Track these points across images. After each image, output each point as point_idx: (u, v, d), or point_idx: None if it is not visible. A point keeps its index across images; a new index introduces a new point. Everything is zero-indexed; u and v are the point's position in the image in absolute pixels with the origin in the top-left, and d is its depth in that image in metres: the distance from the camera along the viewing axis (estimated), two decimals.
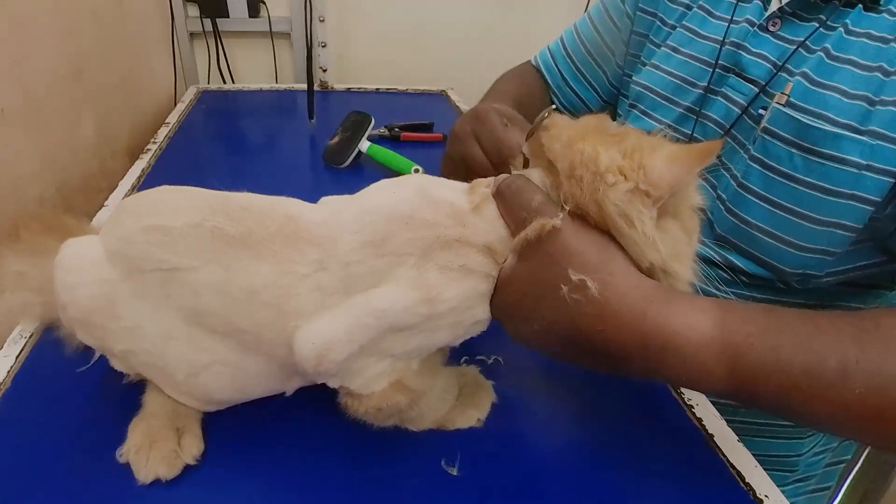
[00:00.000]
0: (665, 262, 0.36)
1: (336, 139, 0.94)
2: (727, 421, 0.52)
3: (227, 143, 1.05)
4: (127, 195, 0.78)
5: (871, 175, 0.49)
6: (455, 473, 0.45)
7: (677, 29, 0.65)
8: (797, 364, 0.34)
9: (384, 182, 0.42)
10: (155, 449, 0.42)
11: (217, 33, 1.32)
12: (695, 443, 0.50)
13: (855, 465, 0.91)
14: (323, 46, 1.38)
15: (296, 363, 0.38)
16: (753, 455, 0.49)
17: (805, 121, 0.51)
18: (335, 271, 0.38)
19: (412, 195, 0.39)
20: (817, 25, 0.53)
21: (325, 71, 1.40)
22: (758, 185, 0.55)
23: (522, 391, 0.52)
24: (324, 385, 0.40)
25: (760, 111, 0.55)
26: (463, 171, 0.54)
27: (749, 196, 0.56)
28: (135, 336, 0.40)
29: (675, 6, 0.66)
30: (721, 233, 0.59)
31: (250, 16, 1.32)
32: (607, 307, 0.35)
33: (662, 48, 0.66)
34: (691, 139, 0.62)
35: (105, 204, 0.77)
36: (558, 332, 0.37)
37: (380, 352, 0.39)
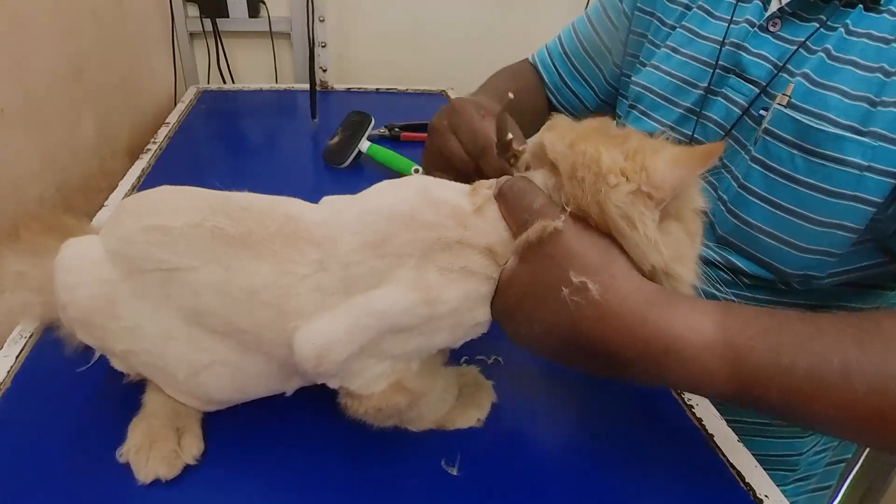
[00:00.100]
0: (667, 264, 0.36)
1: (336, 139, 0.94)
2: (727, 421, 0.52)
3: (227, 143, 1.05)
4: (127, 195, 0.78)
5: (873, 176, 0.49)
6: (455, 473, 0.45)
7: (677, 29, 0.65)
8: (799, 366, 0.34)
9: (385, 183, 0.42)
10: (155, 449, 0.42)
11: (217, 33, 1.32)
12: (695, 443, 0.50)
13: (855, 465, 0.91)
14: (323, 46, 1.38)
15: (296, 363, 0.38)
16: (754, 455, 0.49)
17: (806, 122, 0.51)
18: (335, 272, 0.38)
19: (413, 196, 0.39)
20: (818, 26, 0.53)
21: (325, 71, 1.40)
22: (759, 186, 0.55)
23: (522, 391, 0.52)
24: (324, 385, 0.40)
25: (761, 112, 0.55)
26: (442, 164, 0.53)
27: (750, 197, 0.56)
28: (135, 336, 0.40)
29: (673, 6, 0.66)
30: (722, 234, 0.59)
31: (250, 16, 1.32)
32: (608, 310, 0.35)
33: (662, 48, 0.66)
34: (692, 140, 0.62)
35: (105, 204, 0.77)
36: (559, 334, 0.37)
37: (379, 353, 0.39)
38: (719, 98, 0.59)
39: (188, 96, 1.18)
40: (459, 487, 0.44)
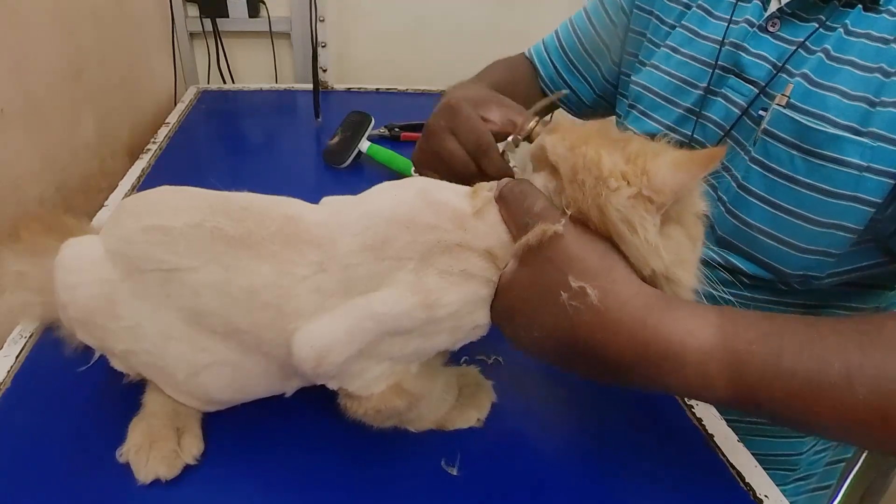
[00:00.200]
0: (668, 268, 0.36)
1: (336, 139, 0.94)
2: (727, 421, 0.52)
3: (227, 143, 1.05)
4: (127, 195, 0.78)
5: (872, 176, 0.49)
6: (455, 473, 0.45)
7: (676, 29, 0.65)
8: (800, 370, 0.33)
9: (386, 184, 0.42)
10: (155, 449, 0.42)
11: (217, 33, 1.32)
12: (695, 443, 0.50)
13: (855, 465, 0.91)
14: (323, 46, 1.37)
15: (295, 364, 0.38)
16: (754, 454, 0.49)
17: (805, 122, 0.50)
18: (335, 273, 0.38)
19: (413, 198, 0.39)
20: (817, 26, 0.53)
21: (325, 71, 1.40)
22: (758, 186, 0.55)
23: (522, 391, 0.52)
24: (323, 386, 0.40)
25: (760, 112, 0.55)
26: (438, 165, 0.53)
27: (749, 198, 0.55)
28: (135, 336, 0.40)
29: (673, 5, 0.66)
30: (721, 234, 0.59)
31: (250, 16, 1.32)
32: (607, 315, 0.35)
33: (662, 48, 0.66)
34: (691, 140, 0.62)
35: (105, 204, 0.77)
36: (558, 339, 0.37)
37: (378, 354, 0.39)
38: (719, 98, 0.59)
39: (188, 96, 1.18)
40: (459, 487, 0.44)
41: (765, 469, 0.48)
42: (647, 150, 0.36)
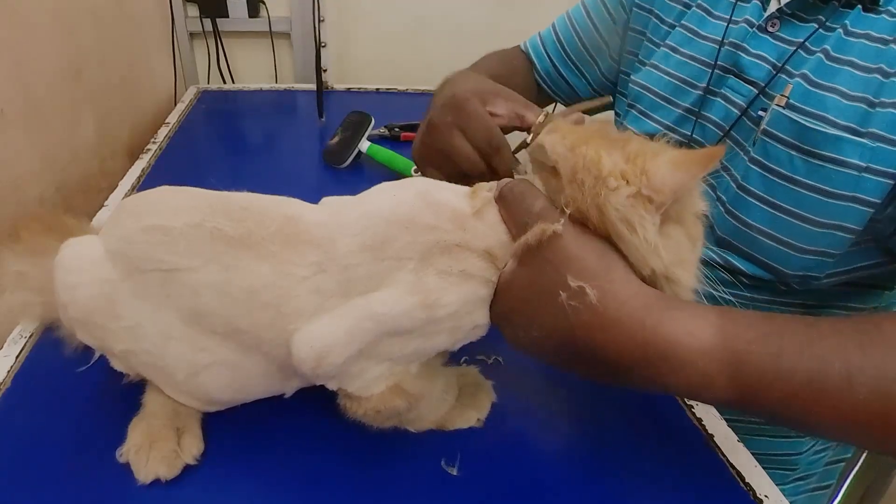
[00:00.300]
0: (668, 268, 0.36)
1: (336, 139, 0.94)
2: (727, 420, 0.52)
3: (227, 143, 1.05)
4: (127, 195, 0.78)
5: (871, 177, 0.49)
6: (455, 473, 0.45)
7: (676, 28, 0.65)
8: (800, 370, 0.33)
9: (386, 184, 0.42)
10: (155, 449, 0.42)
11: (217, 33, 1.32)
12: (695, 443, 0.50)
13: (855, 465, 0.91)
14: (323, 46, 1.37)
15: (294, 364, 0.38)
16: (753, 454, 0.49)
17: (805, 123, 0.50)
18: (334, 273, 0.38)
19: (413, 198, 0.39)
20: (816, 26, 0.53)
21: (325, 71, 1.39)
22: (758, 187, 0.55)
23: (522, 391, 0.52)
24: (323, 386, 0.40)
25: (760, 113, 0.55)
26: (445, 163, 0.52)
27: (749, 198, 0.55)
28: (135, 336, 0.40)
29: (673, 4, 0.66)
30: (721, 235, 0.59)
31: (250, 16, 1.32)
32: (606, 315, 0.34)
33: (662, 48, 0.66)
34: (691, 140, 0.62)
35: (105, 204, 0.77)
36: (557, 339, 0.37)
37: (378, 355, 0.39)
38: (718, 99, 0.59)
39: (188, 96, 1.18)
40: (459, 487, 0.44)
41: (764, 468, 0.48)
42: (647, 149, 0.36)
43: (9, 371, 0.50)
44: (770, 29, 0.56)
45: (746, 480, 0.46)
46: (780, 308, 0.60)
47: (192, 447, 0.43)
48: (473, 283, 0.38)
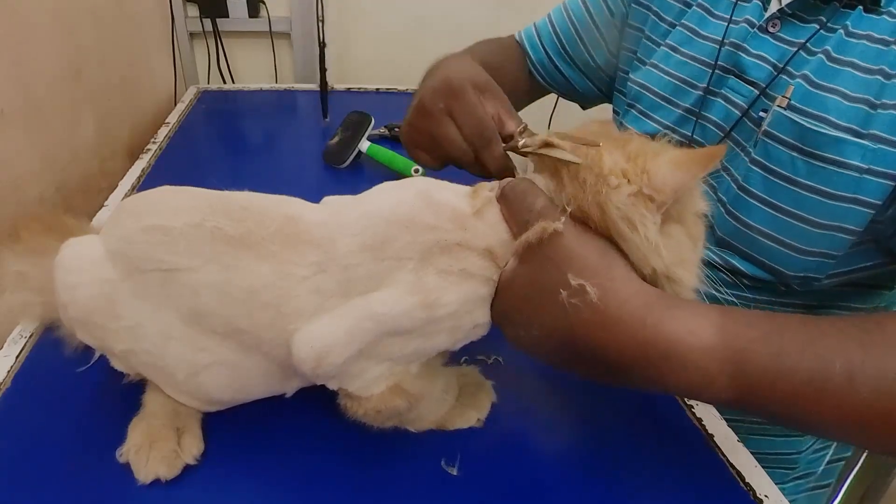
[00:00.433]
0: (669, 267, 0.36)
1: (336, 139, 0.94)
2: (727, 420, 0.52)
3: (227, 143, 1.05)
4: (127, 195, 0.78)
5: (872, 179, 0.49)
6: (455, 473, 0.45)
7: (676, 28, 0.64)
8: (801, 369, 0.33)
9: (386, 184, 0.42)
10: (155, 449, 0.42)
11: (217, 33, 1.32)
12: (695, 443, 0.50)
13: (855, 465, 0.91)
14: (323, 46, 1.37)
15: (295, 364, 0.38)
16: (753, 453, 0.49)
17: (806, 124, 0.50)
18: (334, 273, 0.38)
19: (413, 198, 0.39)
20: (818, 27, 0.52)
21: (325, 71, 1.40)
22: (759, 188, 0.55)
23: (522, 391, 0.52)
24: (323, 386, 0.40)
25: (761, 114, 0.55)
26: (435, 148, 0.51)
27: (750, 199, 0.55)
28: (135, 336, 0.40)
29: (672, 2, 0.65)
30: (722, 236, 0.59)
31: (250, 16, 1.32)
32: (606, 314, 0.34)
33: (662, 47, 0.65)
34: (691, 141, 0.62)
35: (105, 204, 0.77)
36: (557, 338, 0.36)
37: (378, 355, 0.39)
38: (719, 99, 0.59)
39: (188, 96, 1.18)
40: (459, 487, 0.44)
41: (764, 468, 0.48)
42: (648, 149, 0.36)
43: (9, 371, 0.49)
44: (771, 29, 0.55)
45: (746, 480, 0.46)
46: (781, 308, 0.60)
47: (192, 447, 0.43)
48: (474, 282, 0.38)
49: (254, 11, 1.32)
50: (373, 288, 0.38)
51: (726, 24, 0.59)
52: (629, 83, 0.69)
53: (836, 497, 0.88)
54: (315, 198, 0.42)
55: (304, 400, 0.45)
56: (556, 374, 0.49)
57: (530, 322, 0.37)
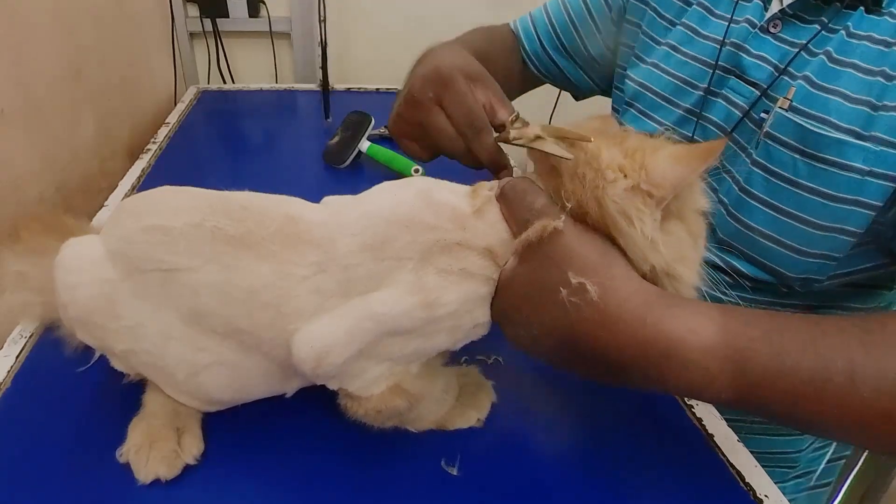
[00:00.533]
0: (669, 264, 0.36)
1: (336, 139, 0.94)
2: (727, 420, 0.52)
3: (227, 143, 1.05)
4: (127, 195, 0.78)
5: (874, 181, 0.49)
6: (455, 473, 0.45)
7: (677, 26, 0.64)
8: (803, 368, 0.33)
9: (386, 184, 0.42)
10: (155, 449, 0.42)
11: (217, 33, 1.32)
12: (695, 443, 0.50)
13: (855, 465, 0.91)
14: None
15: (295, 364, 0.38)
16: (753, 452, 0.49)
17: (808, 126, 0.50)
18: (334, 273, 0.38)
19: (413, 198, 0.39)
20: (819, 28, 0.52)
21: (327, 71, 1.40)
22: (760, 190, 0.54)
23: (522, 391, 0.52)
24: (324, 386, 0.40)
25: (762, 115, 0.54)
26: (424, 139, 0.50)
27: (751, 201, 0.55)
28: (135, 336, 0.40)
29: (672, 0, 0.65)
30: (723, 237, 0.59)
31: (250, 16, 1.32)
32: (606, 312, 0.34)
33: (662, 46, 0.65)
34: (691, 142, 0.61)
35: (105, 204, 0.77)
36: (557, 337, 0.36)
37: (378, 355, 0.39)
38: (719, 100, 0.59)
39: (188, 96, 1.18)
40: (459, 487, 0.44)
41: (764, 467, 0.47)
42: (646, 145, 0.36)
43: (9, 371, 0.49)
44: (772, 30, 0.55)
45: (746, 480, 0.46)
46: (782, 309, 0.60)
47: (192, 447, 0.43)
48: (474, 281, 0.38)
49: (254, 11, 1.32)
50: (373, 288, 0.38)
51: (727, 23, 0.58)
52: (627, 80, 0.68)
53: (837, 497, 0.88)
54: (315, 198, 0.42)
55: (304, 400, 0.45)
56: (556, 374, 0.49)
57: (530, 321, 0.37)
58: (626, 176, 0.35)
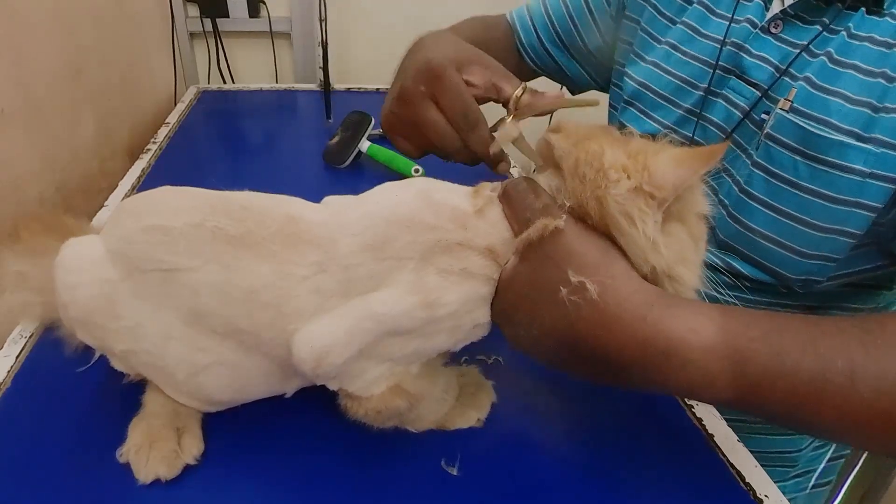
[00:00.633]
0: (670, 266, 0.36)
1: (336, 139, 0.94)
2: (727, 420, 0.52)
3: (227, 143, 1.05)
4: (127, 195, 0.78)
5: (875, 182, 0.49)
6: (455, 473, 0.45)
7: (677, 25, 0.63)
8: (803, 368, 0.33)
9: (386, 184, 0.42)
10: (155, 449, 0.42)
11: (217, 33, 1.32)
12: (695, 443, 0.50)
13: (855, 465, 0.91)
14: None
15: (295, 364, 0.38)
16: (753, 452, 0.49)
17: (809, 127, 0.50)
18: (335, 273, 0.38)
19: (414, 198, 0.39)
20: (820, 29, 0.52)
21: (328, 71, 1.40)
22: (761, 191, 0.54)
23: (522, 391, 0.52)
24: (324, 386, 0.40)
25: (763, 116, 0.54)
26: (418, 136, 0.50)
27: (752, 202, 0.55)
28: (135, 336, 0.40)
29: None
30: (723, 238, 0.58)
31: (250, 16, 1.32)
32: (606, 311, 0.34)
33: (662, 45, 0.65)
34: (692, 142, 0.61)
35: (105, 204, 0.77)
36: (557, 337, 0.36)
37: (378, 355, 0.39)
38: (720, 100, 0.59)
39: (188, 96, 1.18)
40: (459, 487, 0.44)
41: (763, 466, 0.47)
42: (649, 147, 0.37)
43: (9, 371, 0.49)
44: (773, 30, 0.55)
45: (746, 480, 0.46)
46: (782, 310, 0.60)
47: (192, 447, 0.43)
48: (474, 281, 0.38)
49: (254, 11, 1.32)
50: (373, 288, 0.38)
51: (728, 23, 0.58)
52: (626, 78, 0.68)
53: (837, 496, 0.88)
54: (315, 198, 0.42)
55: (304, 400, 0.45)
56: (556, 374, 0.49)
57: (530, 321, 0.37)
58: (629, 177, 0.35)
